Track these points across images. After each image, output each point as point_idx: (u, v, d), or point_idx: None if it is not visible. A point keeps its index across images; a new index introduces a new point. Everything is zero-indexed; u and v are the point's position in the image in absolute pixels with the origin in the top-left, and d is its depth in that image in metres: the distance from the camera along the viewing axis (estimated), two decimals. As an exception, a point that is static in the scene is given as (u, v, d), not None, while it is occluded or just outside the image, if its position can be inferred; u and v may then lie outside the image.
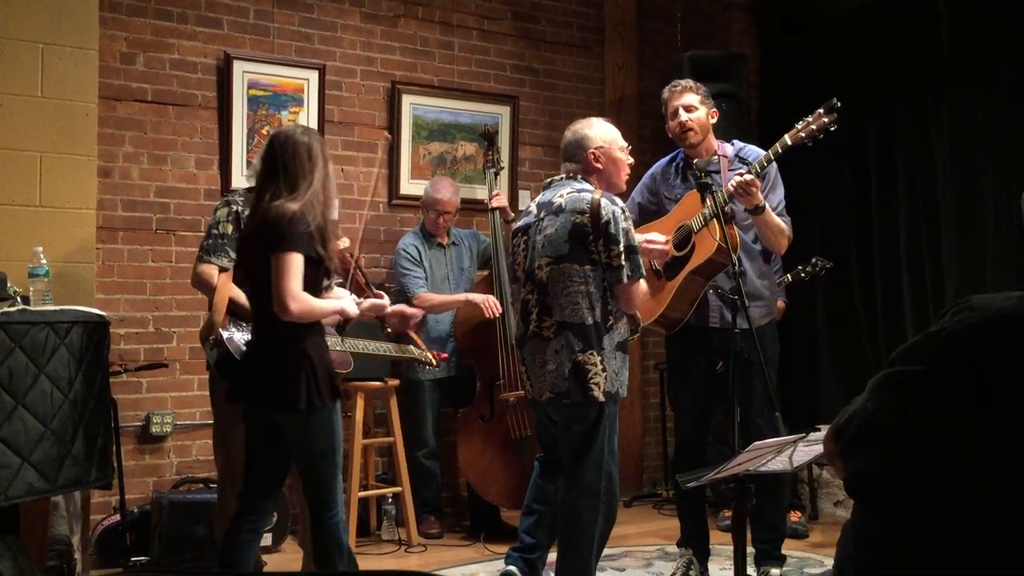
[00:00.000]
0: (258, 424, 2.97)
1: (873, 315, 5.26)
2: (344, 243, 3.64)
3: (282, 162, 2.91)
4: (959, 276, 4.80)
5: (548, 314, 3.19)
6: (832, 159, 5.22)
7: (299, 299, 2.80)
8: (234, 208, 3.40)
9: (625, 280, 3.14)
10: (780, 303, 4.74)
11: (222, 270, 3.33)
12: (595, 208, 3.13)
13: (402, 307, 3.63)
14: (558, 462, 3.35)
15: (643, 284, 3.22)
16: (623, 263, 3.13)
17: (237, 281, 3.26)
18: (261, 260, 2.84)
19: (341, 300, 3.07)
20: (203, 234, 3.48)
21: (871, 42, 5.20)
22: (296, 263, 2.79)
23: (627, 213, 3.21)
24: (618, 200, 3.21)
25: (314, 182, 2.90)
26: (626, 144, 3.41)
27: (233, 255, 3.28)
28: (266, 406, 2.91)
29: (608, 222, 3.12)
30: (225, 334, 3.21)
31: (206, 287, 3.34)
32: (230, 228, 3.37)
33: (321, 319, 2.95)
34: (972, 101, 4.83)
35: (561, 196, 3.24)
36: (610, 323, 3.18)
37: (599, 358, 3.13)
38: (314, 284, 2.89)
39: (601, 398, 3.13)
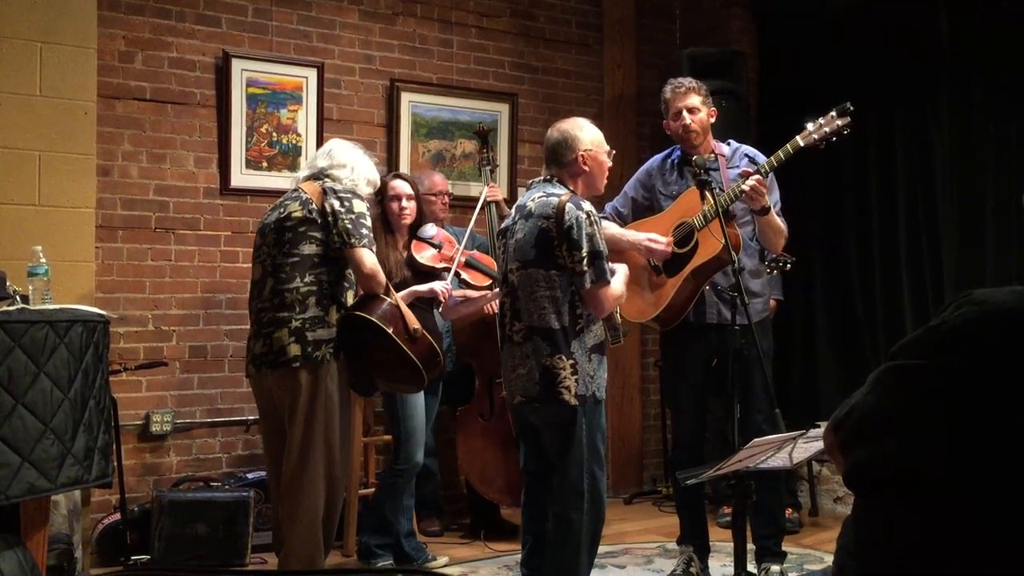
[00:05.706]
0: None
1: (872, 311, 5.26)
2: None
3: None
4: (958, 270, 4.81)
5: (518, 319, 3.20)
6: (832, 156, 5.22)
7: None
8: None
9: (588, 285, 3.11)
10: (772, 301, 4.73)
11: None
12: (560, 213, 3.11)
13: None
14: (541, 472, 3.33)
15: (614, 289, 3.19)
16: (585, 268, 3.10)
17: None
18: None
19: None
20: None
21: (871, 40, 5.20)
22: None
23: (594, 217, 3.17)
24: (585, 204, 3.17)
25: None
26: (609, 147, 3.39)
27: None
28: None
29: (571, 227, 3.09)
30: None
31: (379, 276, 3.49)
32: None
33: None
34: (972, 100, 4.83)
35: (533, 200, 3.23)
36: (579, 326, 3.15)
37: (569, 362, 3.12)
38: None
39: (572, 401, 3.12)
